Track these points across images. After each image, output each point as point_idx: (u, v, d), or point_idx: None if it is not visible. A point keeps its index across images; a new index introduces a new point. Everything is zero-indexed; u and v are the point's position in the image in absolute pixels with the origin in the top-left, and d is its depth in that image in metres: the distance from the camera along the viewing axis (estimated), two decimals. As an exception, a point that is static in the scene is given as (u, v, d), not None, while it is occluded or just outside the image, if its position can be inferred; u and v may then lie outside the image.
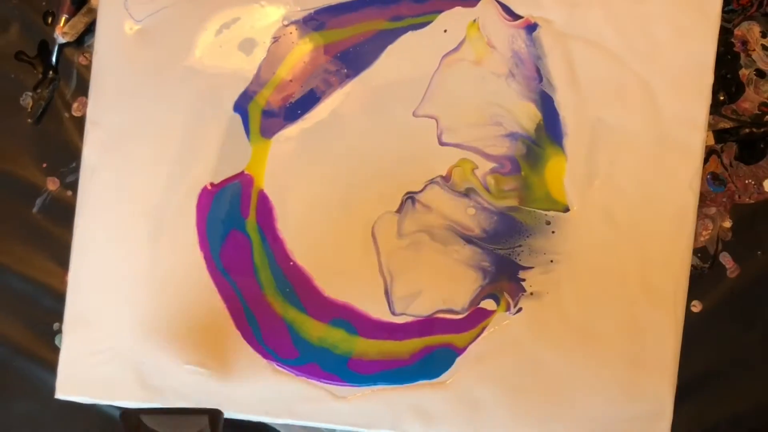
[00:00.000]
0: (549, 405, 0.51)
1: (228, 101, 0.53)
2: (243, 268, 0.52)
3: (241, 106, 0.52)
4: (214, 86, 0.53)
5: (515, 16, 0.52)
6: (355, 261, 0.52)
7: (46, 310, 0.56)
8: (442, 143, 0.52)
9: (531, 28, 0.51)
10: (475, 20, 0.52)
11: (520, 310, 0.51)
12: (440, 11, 0.52)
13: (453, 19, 0.52)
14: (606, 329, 0.51)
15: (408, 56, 0.52)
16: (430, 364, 0.51)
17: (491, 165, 0.51)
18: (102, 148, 0.53)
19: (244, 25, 0.53)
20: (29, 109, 0.57)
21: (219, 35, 0.53)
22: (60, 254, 0.55)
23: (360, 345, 0.52)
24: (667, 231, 0.51)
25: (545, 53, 0.51)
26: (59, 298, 0.54)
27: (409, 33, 0.52)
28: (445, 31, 0.52)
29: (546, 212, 0.51)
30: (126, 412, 0.46)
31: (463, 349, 0.51)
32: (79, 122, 0.56)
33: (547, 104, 0.51)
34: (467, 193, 0.51)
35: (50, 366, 0.54)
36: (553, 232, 0.51)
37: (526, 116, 0.51)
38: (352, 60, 0.52)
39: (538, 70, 0.51)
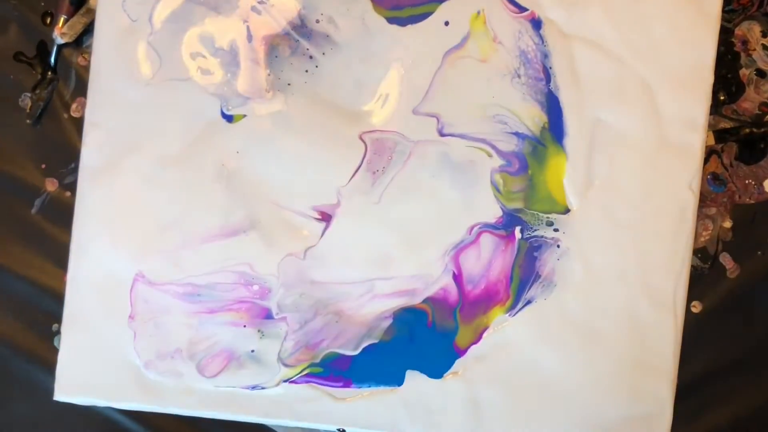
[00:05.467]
0: (549, 405, 0.50)
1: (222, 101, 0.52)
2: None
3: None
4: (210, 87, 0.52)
5: (521, 9, 0.51)
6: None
7: (44, 311, 0.56)
8: (443, 135, 0.51)
9: (537, 24, 0.51)
10: (479, 12, 0.51)
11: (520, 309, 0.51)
12: (441, 1, 0.51)
13: (455, 10, 0.51)
14: (606, 329, 0.50)
15: (409, 51, 0.51)
16: (431, 365, 0.51)
17: (500, 162, 0.51)
18: (101, 149, 0.52)
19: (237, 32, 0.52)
20: (28, 110, 0.57)
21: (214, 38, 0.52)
22: (59, 255, 0.55)
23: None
24: (667, 231, 0.50)
25: (550, 51, 0.51)
26: (58, 298, 0.54)
27: (409, 27, 0.51)
28: (447, 23, 0.51)
29: (548, 215, 0.51)
30: None
31: (464, 351, 0.51)
32: (78, 123, 0.56)
33: (552, 105, 0.51)
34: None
35: (49, 367, 0.54)
36: (555, 230, 0.51)
37: (531, 119, 0.51)
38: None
39: (545, 70, 0.51)
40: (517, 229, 0.51)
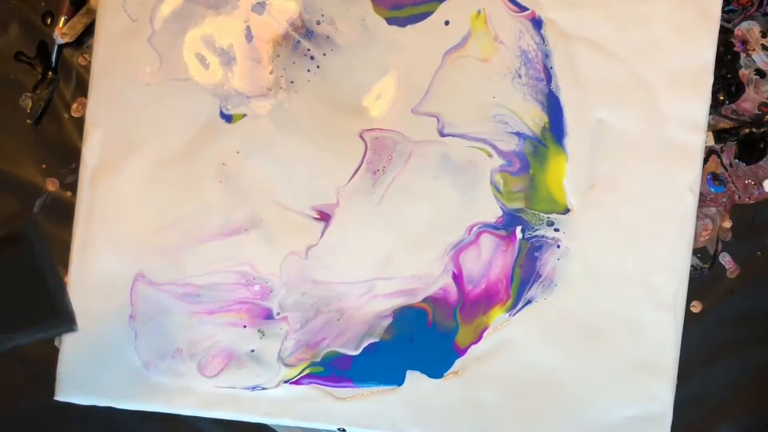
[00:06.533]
0: (549, 405, 0.50)
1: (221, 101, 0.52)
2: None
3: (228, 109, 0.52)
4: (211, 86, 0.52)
5: (521, 8, 0.51)
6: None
7: (45, 311, 0.55)
8: (443, 135, 0.51)
9: (538, 23, 0.50)
10: (479, 12, 0.51)
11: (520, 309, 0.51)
12: (441, 0, 0.51)
13: (455, 9, 0.51)
14: (606, 329, 0.50)
15: (408, 51, 0.51)
16: (431, 365, 0.50)
17: (501, 162, 0.51)
18: (101, 149, 0.52)
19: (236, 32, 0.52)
20: (28, 110, 0.57)
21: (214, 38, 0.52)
22: (59, 255, 0.55)
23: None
24: (667, 231, 0.50)
25: (551, 51, 0.50)
26: (59, 298, 0.53)
27: (409, 27, 0.51)
28: (447, 23, 0.51)
29: (548, 215, 0.50)
30: None
31: (465, 350, 0.50)
32: (79, 123, 0.56)
33: (553, 105, 0.50)
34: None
35: (50, 367, 0.53)
36: (556, 230, 0.50)
37: (532, 119, 0.50)
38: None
39: (546, 70, 0.50)
40: (518, 229, 0.50)
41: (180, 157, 0.52)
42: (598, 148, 0.50)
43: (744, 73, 0.54)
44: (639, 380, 0.50)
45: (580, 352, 0.50)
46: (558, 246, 0.50)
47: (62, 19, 0.56)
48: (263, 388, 0.51)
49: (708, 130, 0.52)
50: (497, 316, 0.51)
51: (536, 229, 0.50)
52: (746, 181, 0.54)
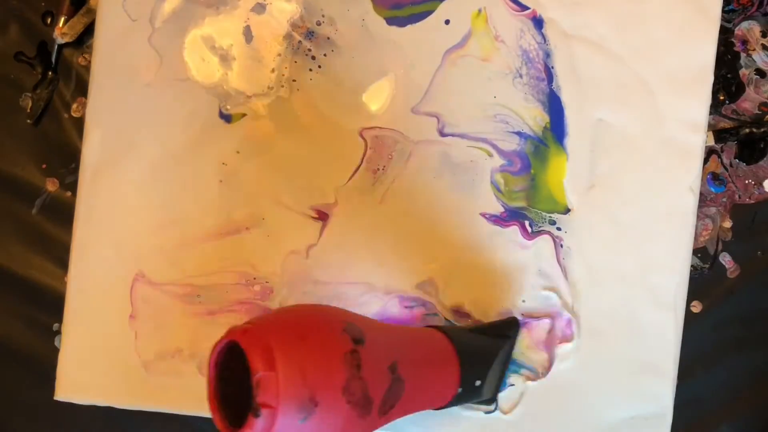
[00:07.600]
0: (549, 406, 0.50)
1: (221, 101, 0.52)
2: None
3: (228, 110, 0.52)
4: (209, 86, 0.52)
5: (522, 7, 0.50)
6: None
7: (45, 311, 0.56)
8: (444, 134, 0.51)
9: (539, 22, 0.50)
10: (480, 11, 0.50)
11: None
12: (442, -1, 0.51)
13: (455, 8, 0.50)
14: (606, 329, 0.50)
15: (408, 51, 0.51)
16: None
17: (501, 162, 0.50)
18: (101, 149, 0.52)
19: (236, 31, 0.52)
20: (28, 110, 0.56)
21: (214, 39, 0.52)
22: (59, 255, 0.55)
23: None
24: (667, 231, 0.50)
25: (552, 51, 0.50)
26: (58, 298, 0.53)
27: (409, 27, 0.51)
28: (447, 22, 0.51)
29: (549, 214, 0.50)
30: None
31: (465, 351, 0.50)
32: (79, 123, 0.55)
33: (554, 105, 0.50)
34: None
35: (49, 367, 0.53)
36: (558, 229, 0.50)
37: (533, 118, 0.50)
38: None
39: (547, 70, 0.50)
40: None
41: (180, 157, 0.51)
42: (598, 147, 0.50)
43: (744, 73, 0.53)
44: (639, 380, 0.49)
45: (581, 351, 0.50)
46: (561, 245, 0.50)
47: (62, 19, 0.55)
48: (263, 389, 0.50)
49: (708, 130, 0.51)
50: (498, 316, 0.50)
51: (540, 227, 0.50)
52: (746, 181, 0.53)
